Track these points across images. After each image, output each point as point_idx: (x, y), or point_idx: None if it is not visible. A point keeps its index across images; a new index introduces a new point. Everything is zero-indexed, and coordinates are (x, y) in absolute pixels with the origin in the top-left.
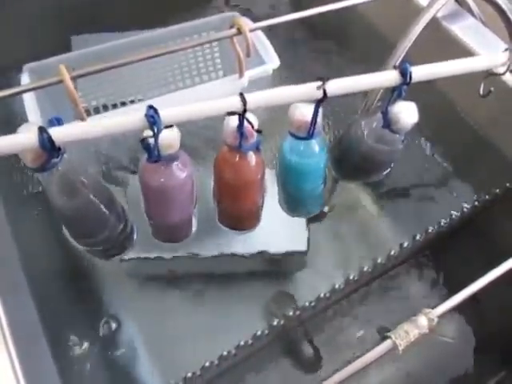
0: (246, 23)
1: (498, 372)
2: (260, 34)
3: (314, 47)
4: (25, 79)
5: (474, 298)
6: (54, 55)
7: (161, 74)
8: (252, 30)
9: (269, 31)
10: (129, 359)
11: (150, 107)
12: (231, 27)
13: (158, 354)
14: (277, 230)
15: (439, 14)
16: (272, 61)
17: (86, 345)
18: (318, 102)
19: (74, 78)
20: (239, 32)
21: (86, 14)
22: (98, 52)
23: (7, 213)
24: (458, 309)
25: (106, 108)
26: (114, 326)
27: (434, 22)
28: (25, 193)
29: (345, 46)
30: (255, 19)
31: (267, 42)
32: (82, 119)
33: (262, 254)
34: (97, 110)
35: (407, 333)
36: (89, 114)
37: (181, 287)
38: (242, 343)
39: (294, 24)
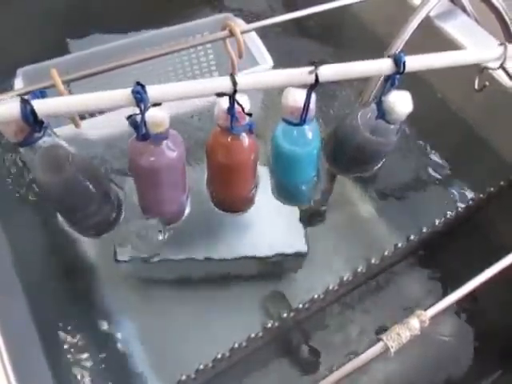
0: (238, 25)
1: (495, 370)
2: (253, 35)
3: (308, 47)
4: (18, 83)
5: (471, 296)
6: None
7: (155, 75)
8: (244, 32)
9: (262, 32)
10: (123, 362)
11: (138, 83)
12: (223, 29)
13: (153, 357)
14: (274, 232)
15: (432, 13)
16: (265, 62)
17: (81, 346)
18: (311, 88)
19: (67, 82)
20: (231, 34)
21: (83, 16)
22: (92, 55)
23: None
24: (456, 307)
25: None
26: (109, 328)
27: (428, 20)
28: (19, 194)
29: (338, 45)
30: (251, 20)
31: (260, 43)
32: (76, 123)
33: (258, 255)
34: (92, 114)
35: (399, 335)
36: (83, 117)
37: (175, 289)
38: (236, 345)
39: (288, 24)
